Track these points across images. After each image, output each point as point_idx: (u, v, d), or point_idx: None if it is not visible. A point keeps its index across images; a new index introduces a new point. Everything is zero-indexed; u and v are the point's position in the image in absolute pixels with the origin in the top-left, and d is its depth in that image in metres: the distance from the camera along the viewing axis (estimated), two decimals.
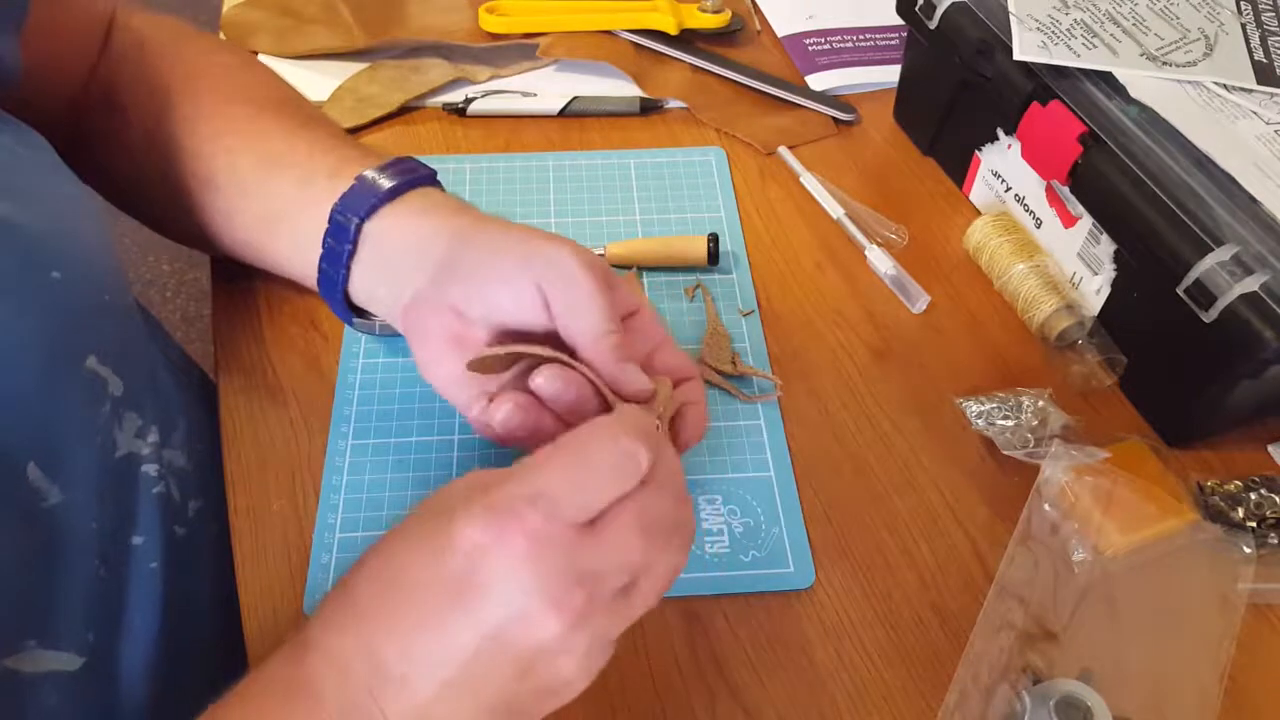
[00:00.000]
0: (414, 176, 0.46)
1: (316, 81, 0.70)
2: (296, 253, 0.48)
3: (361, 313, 0.49)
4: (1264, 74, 0.55)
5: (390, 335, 0.52)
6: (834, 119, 0.70)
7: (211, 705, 0.33)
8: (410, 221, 0.45)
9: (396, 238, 0.45)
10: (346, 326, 0.55)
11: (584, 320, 0.40)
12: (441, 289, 0.43)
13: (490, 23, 0.73)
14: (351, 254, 0.46)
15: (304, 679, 0.33)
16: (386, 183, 0.46)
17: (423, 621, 0.32)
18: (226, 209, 0.50)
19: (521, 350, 0.39)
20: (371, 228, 0.45)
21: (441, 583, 0.32)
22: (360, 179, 0.46)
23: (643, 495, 0.33)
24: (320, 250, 0.47)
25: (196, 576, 0.47)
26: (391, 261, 0.45)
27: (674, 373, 0.42)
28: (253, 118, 0.50)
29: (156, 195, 0.51)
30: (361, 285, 0.47)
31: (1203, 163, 0.50)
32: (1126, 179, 0.50)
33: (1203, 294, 0.46)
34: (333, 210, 0.46)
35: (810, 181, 0.65)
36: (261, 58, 0.72)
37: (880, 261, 0.60)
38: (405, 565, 0.33)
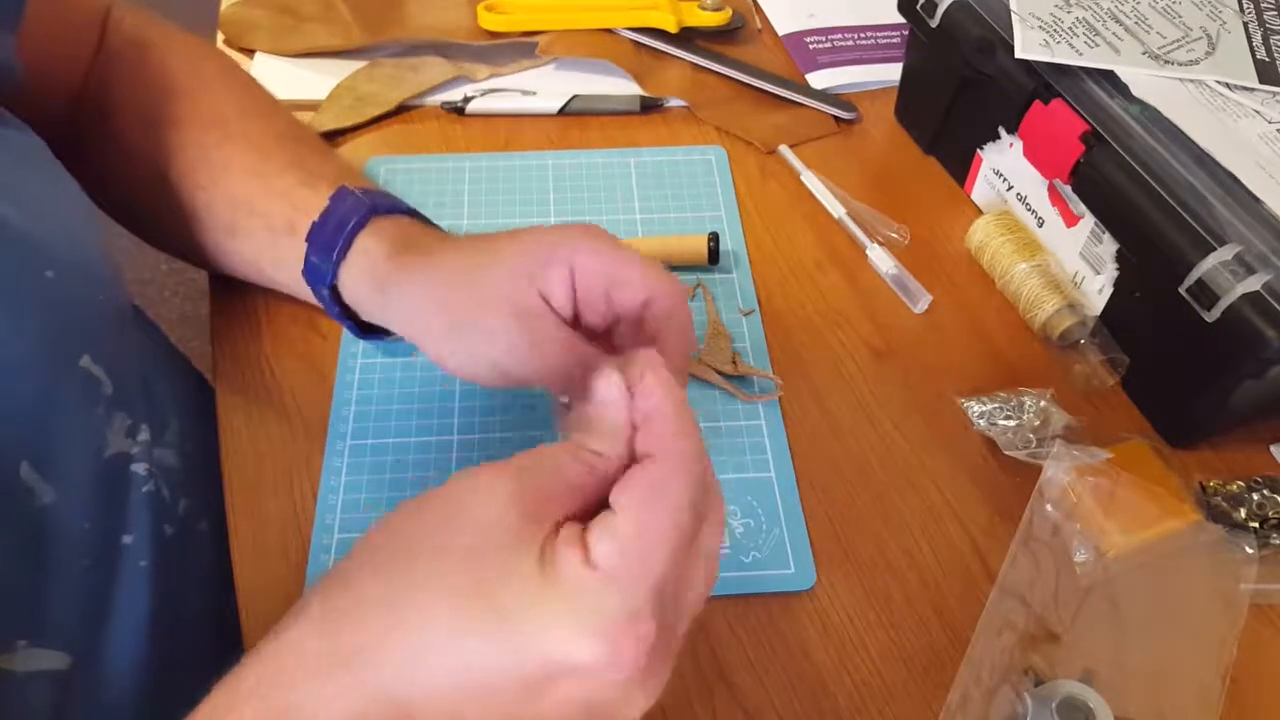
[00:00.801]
0: (350, 228, 0.46)
1: (315, 80, 0.69)
2: (294, 292, 0.50)
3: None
4: (1266, 73, 0.55)
5: None
6: (835, 117, 0.70)
7: None
8: (364, 295, 0.46)
9: (364, 308, 0.47)
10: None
11: (532, 382, 0.41)
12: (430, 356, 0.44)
13: (489, 21, 0.73)
14: (343, 309, 0.48)
15: None
16: (331, 243, 0.46)
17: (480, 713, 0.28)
18: (214, 242, 0.51)
19: None
20: (343, 290, 0.47)
21: (525, 698, 0.28)
22: (310, 240, 0.46)
23: (707, 543, 0.31)
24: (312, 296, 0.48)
25: (187, 575, 0.47)
26: (373, 315, 0.47)
27: (634, 304, 0.40)
28: (220, 148, 0.50)
29: (148, 211, 0.52)
30: (370, 319, 0.48)
31: (1205, 162, 0.50)
32: (1129, 178, 0.50)
33: (1205, 293, 0.46)
34: (304, 277, 0.47)
35: (811, 180, 0.65)
36: (260, 56, 0.72)
37: (881, 261, 0.60)
38: (468, 665, 0.28)
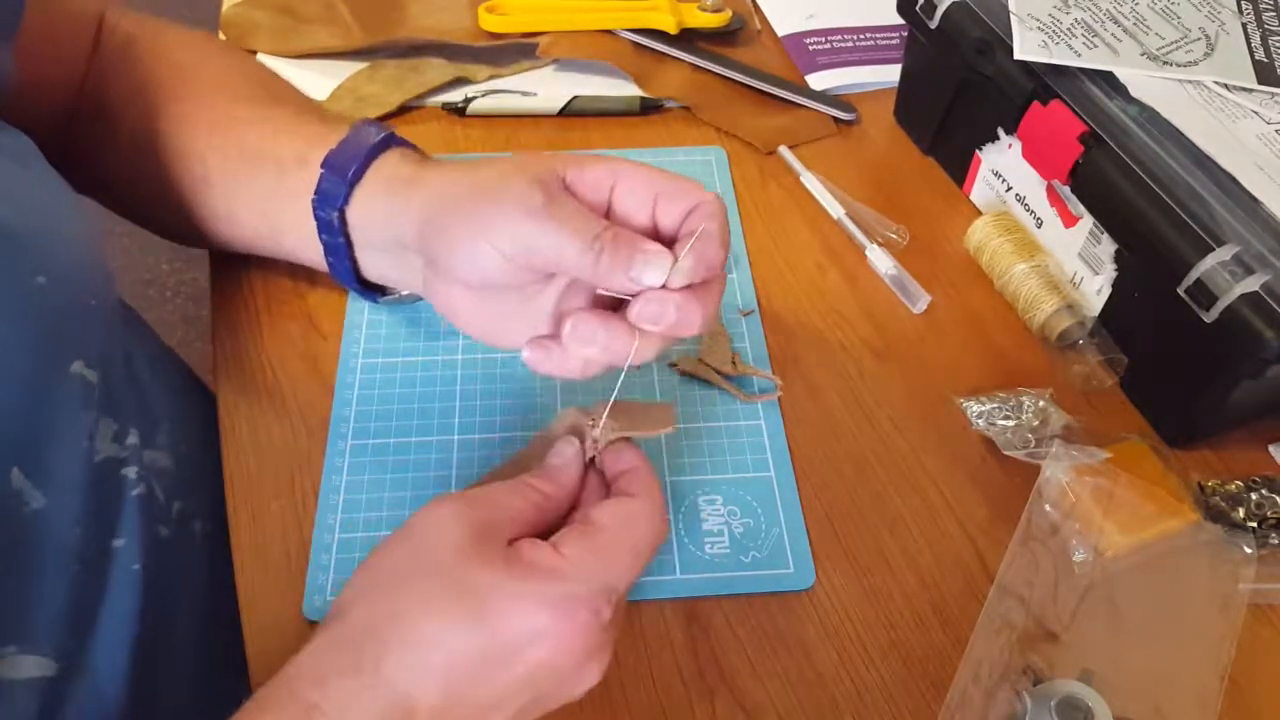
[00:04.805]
0: (371, 147, 0.45)
1: (316, 81, 0.70)
2: (301, 245, 0.49)
3: (384, 288, 0.50)
4: (1265, 73, 0.55)
5: (416, 300, 0.52)
6: (834, 118, 0.70)
7: None
8: (378, 206, 0.45)
9: (375, 223, 0.45)
10: (345, 325, 0.55)
11: (560, 257, 0.38)
12: (437, 271, 0.43)
13: (490, 22, 0.73)
14: (348, 243, 0.46)
15: None
16: (349, 164, 0.45)
17: (465, 694, 0.34)
18: (226, 207, 0.50)
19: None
20: (352, 215, 0.45)
21: (491, 660, 0.34)
22: (326, 164, 0.45)
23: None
24: (320, 242, 0.47)
25: (180, 578, 0.47)
26: (383, 245, 0.46)
27: (678, 214, 0.40)
28: (229, 107, 0.50)
29: (154, 198, 0.51)
30: (371, 268, 0.48)
31: (1203, 162, 0.50)
32: (1127, 179, 0.50)
33: (1203, 294, 0.46)
34: (312, 205, 0.46)
35: (810, 181, 0.65)
36: (260, 57, 0.72)
37: (881, 261, 0.60)
38: (446, 640, 0.34)
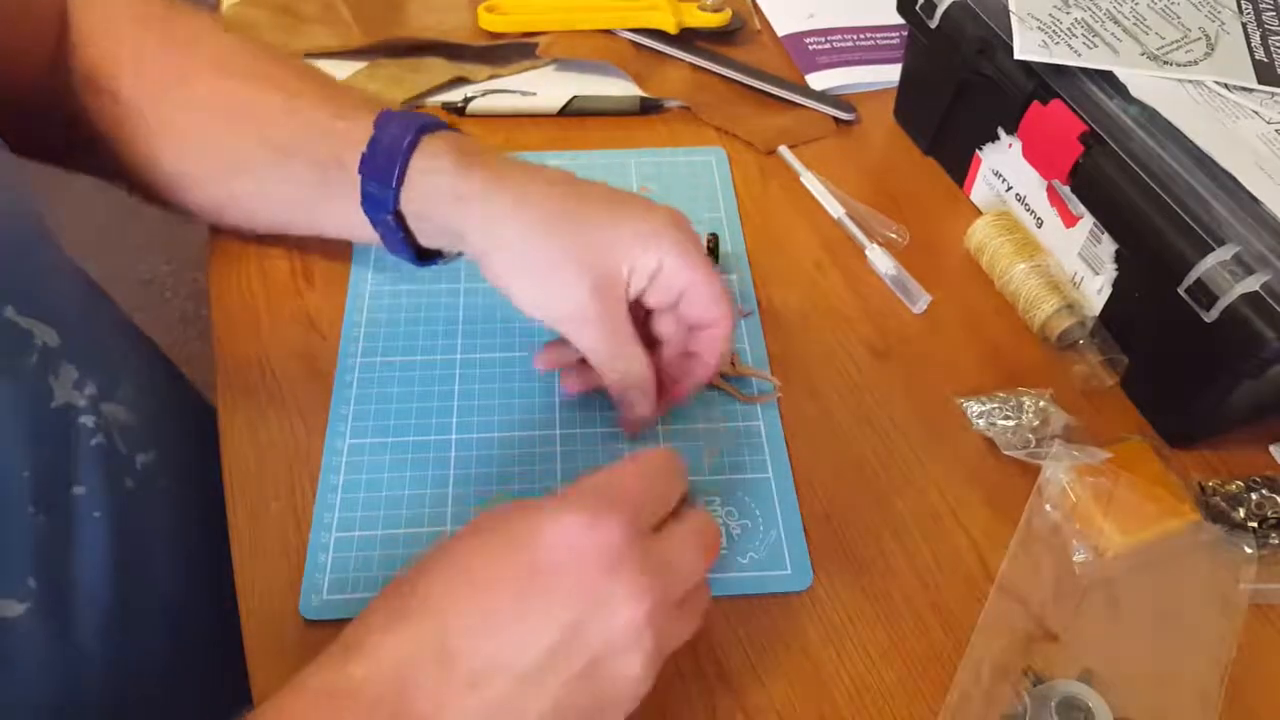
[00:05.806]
0: (405, 148, 0.46)
1: None
2: (350, 230, 0.50)
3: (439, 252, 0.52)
4: (1265, 73, 0.55)
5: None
6: (834, 118, 0.70)
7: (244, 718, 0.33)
8: (431, 215, 0.47)
9: (430, 231, 0.48)
10: (344, 325, 0.55)
11: (590, 357, 0.46)
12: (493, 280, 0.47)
13: (489, 21, 0.73)
14: (406, 235, 0.48)
15: (348, 686, 0.32)
16: (386, 172, 0.46)
17: (500, 611, 0.33)
18: (258, 191, 0.51)
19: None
20: (406, 212, 0.47)
21: (523, 574, 0.34)
22: (364, 172, 0.46)
23: (693, 516, 0.38)
24: (370, 229, 0.49)
25: (154, 531, 0.47)
26: (440, 236, 0.48)
27: (693, 319, 0.48)
28: (235, 92, 0.50)
29: (152, 173, 0.51)
30: (431, 245, 0.50)
31: (1204, 162, 0.50)
32: (1127, 178, 0.50)
33: (1204, 294, 0.46)
34: (364, 209, 0.47)
35: (810, 181, 0.65)
36: None
37: (881, 261, 0.60)
38: (480, 562, 0.34)
